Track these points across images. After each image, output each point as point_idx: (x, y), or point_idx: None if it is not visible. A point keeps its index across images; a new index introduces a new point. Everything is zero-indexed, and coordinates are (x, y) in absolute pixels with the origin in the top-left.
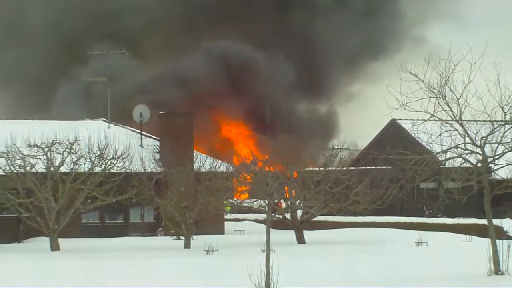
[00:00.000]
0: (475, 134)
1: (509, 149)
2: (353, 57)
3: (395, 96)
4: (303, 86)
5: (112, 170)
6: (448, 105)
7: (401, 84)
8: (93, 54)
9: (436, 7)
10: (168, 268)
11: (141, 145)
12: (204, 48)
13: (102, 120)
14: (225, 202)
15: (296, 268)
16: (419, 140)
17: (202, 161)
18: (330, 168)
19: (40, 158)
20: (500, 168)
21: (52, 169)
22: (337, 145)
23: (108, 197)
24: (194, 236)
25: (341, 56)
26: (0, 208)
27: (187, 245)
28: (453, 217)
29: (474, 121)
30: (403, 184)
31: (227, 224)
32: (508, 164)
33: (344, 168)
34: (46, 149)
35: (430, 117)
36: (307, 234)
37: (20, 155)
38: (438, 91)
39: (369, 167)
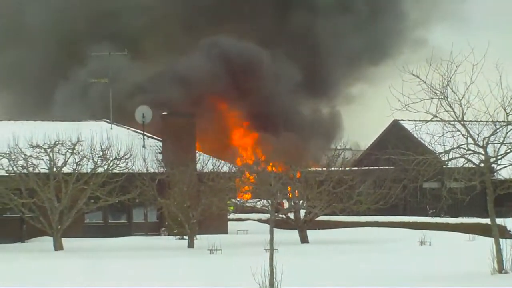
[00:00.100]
0: (478, 135)
1: None
2: (355, 58)
3: (397, 97)
4: (305, 86)
5: (115, 171)
6: (450, 106)
7: (403, 85)
8: (94, 56)
9: (437, 9)
10: (171, 267)
11: (144, 146)
12: (205, 46)
13: (105, 121)
14: (228, 202)
15: (299, 267)
16: (421, 140)
17: (205, 162)
18: (333, 168)
19: (42, 159)
20: (502, 168)
21: (54, 169)
22: (340, 146)
23: (111, 198)
24: (198, 236)
25: (343, 56)
26: (3, 209)
27: (191, 245)
28: (456, 217)
29: (477, 121)
30: (406, 184)
31: (230, 224)
32: (511, 164)
33: (347, 168)
34: (48, 150)
35: (432, 118)
36: (310, 233)
37: (23, 155)
38: (440, 92)
39: (372, 167)
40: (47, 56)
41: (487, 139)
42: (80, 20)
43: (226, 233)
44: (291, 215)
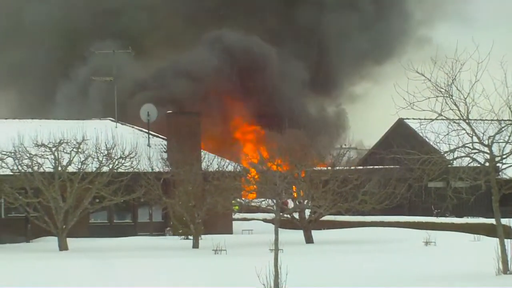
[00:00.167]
0: (483, 133)
1: None
2: (360, 56)
3: (402, 96)
4: (309, 83)
5: (120, 170)
6: (455, 104)
7: (408, 83)
8: (98, 53)
9: (441, 8)
10: (176, 268)
11: (149, 145)
12: (209, 41)
13: (109, 119)
14: (233, 201)
15: (304, 267)
16: (426, 139)
17: (210, 161)
18: (338, 168)
19: (47, 158)
20: (508, 167)
21: (59, 168)
22: (345, 145)
23: (116, 197)
24: (203, 236)
25: (348, 55)
26: (9, 208)
27: (196, 245)
28: (461, 217)
29: (482, 120)
30: (411, 183)
31: (235, 224)
32: None
33: (352, 167)
34: (53, 149)
35: (437, 117)
36: (315, 233)
37: (28, 154)
38: (445, 90)
39: (377, 167)
40: (49, 54)
41: (492, 138)
42: (82, 18)
43: (231, 233)
44: (296, 215)
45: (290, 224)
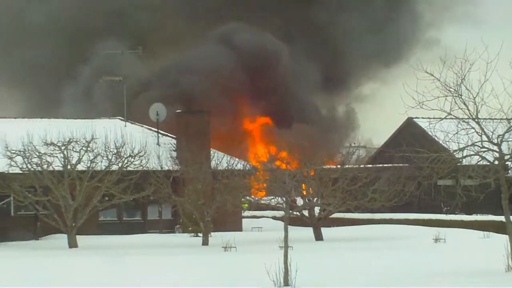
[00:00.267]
0: (492, 132)
1: None
2: (369, 57)
3: (411, 95)
4: (319, 82)
5: (129, 168)
6: (464, 104)
7: (417, 83)
8: (108, 53)
9: (450, 10)
10: (186, 265)
11: (158, 143)
12: (217, 36)
13: (119, 118)
14: (242, 199)
15: (314, 265)
16: (435, 138)
17: (219, 159)
18: (347, 166)
19: (57, 156)
20: None
21: (69, 167)
22: (354, 143)
23: (125, 195)
24: (212, 233)
25: (358, 56)
26: (18, 206)
27: (205, 242)
28: (470, 214)
29: (491, 119)
30: (421, 181)
31: (244, 221)
32: None
33: (361, 165)
34: (63, 147)
35: (446, 116)
36: (325, 231)
37: (37, 153)
38: (455, 89)
39: (387, 165)
40: (54, 54)
41: (501, 136)
42: (86, 18)
43: (241, 230)
44: (306, 213)
45: (300, 222)
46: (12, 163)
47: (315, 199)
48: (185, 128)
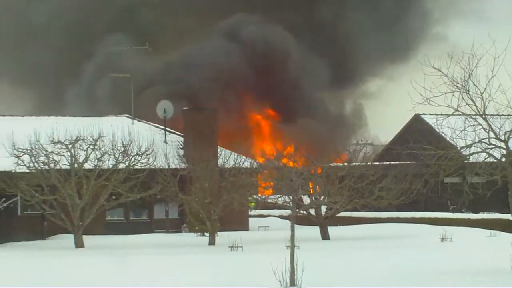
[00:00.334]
0: (499, 129)
1: None
2: (376, 54)
3: (418, 91)
4: (327, 78)
5: (136, 167)
6: (471, 100)
7: (424, 78)
8: (116, 50)
9: (457, 7)
10: (192, 264)
11: (165, 141)
12: (225, 31)
13: (126, 116)
14: (249, 198)
15: (321, 264)
16: (443, 134)
17: (227, 157)
18: (354, 164)
19: (64, 155)
20: None
21: (76, 165)
22: (361, 140)
23: (132, 194)
24: (219, 233)
25: (365, 52)
26: (25, 205)
27: (212, 242)
28: (477, 212)
29: (498, 115)
30: (427, 179)
31: (251, 220)
32: None
33: (368, 163)
34: (70, 146)
35: (454, 112)
36: (331, 230)
37: (44, 152)
38: (462, 85)
39: (393, 162)
40: (60, 52)
41: (508, 133)
42: (91, 16)
43: (247, 229)
44: (312, 211)
45: (306, 221)
46: (19, 162)
47: (322, 197)
48: (192, 125)
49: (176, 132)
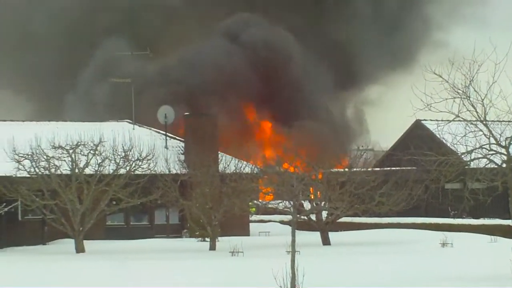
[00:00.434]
0: (500, 135)
1: None
2: (378, 60)
3: (419, 97)
4: (330, 84)
5: (137, 172)
6: (472, 106)
7: (425, 84)
8: (118, 55)
9: (458, 12)
10: (193, 269)
11: (166, 147)
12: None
13: (127, 121)
14: (250, 203)
15: (321, 269)
16: (443, 140)
17: (227, 162)
18: (355, 169)
19: (64, 160)
20: None
21: (76, 170)
22: (362, 146)
23: (133, 199)
24: (219, 238)
25: (368, 58)
26: (25, 210)
27: (212, 247)
28: (478, 218)
29: (499, 121)
30: (428, 185)
31: (252, 226)
32: None
33: (369, 169)
34: (70, 151)
35: (454, 118)
36: (332, 235)
37: (45, 157)
38: (463, 91)
39: (394, 168)
40: (59, 57)
41: (509, 139)
42: (90, 21)
43: (248, 235)
44: (313, 217)
45: (307, 226)
46: (20, 166)
47: (323, 203)
48: (193, 131)
49: (177, 137)
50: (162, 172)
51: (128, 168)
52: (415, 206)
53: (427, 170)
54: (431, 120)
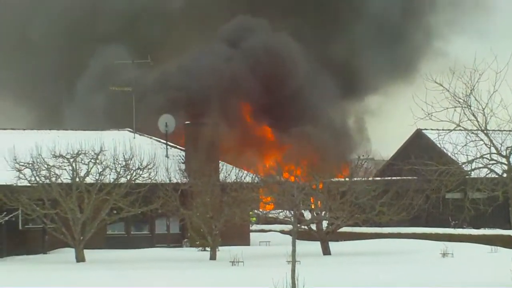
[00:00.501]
0: (501, 144)
1: None
2: (379, 69)
3: (420, 106)
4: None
5: (137, 181)
6: (473, 115)
7: (426, 93)
8: (118, 63)
9: (459, 21)
10: (193, 279)
11: (167, 156)
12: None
13: (128, 130)
14: (250, 213)
15: (321, 279)
16: (444, 150)
17: (228, 172)
18: (355, 179)
19: (65, 169)
20: None
21: (77, 179)
22: (363, 155)
23: (133, 208)
24: (220, 247)
25: (369, 67)
26: (26, 219)
27: (213, 257)
28: (478, 228)
29: (500, 131)
30: (429, 194)
31: (252, 235)
32: None
33: (370, 178)
34: (71, 160)
35: (455, 127)
36: (332, 245)
37: (46, 165)
38: (464, 100)
39: (395, 178)
40: (59, 65)
41: (510, 148)
42: (90, 29)
43: (249, 244)
44: (314, 227)
45: (307, 236)
46: (21, 175)
47: (323, 212)
48: (193, 140)
49: (178, 146)
50: (162, 181)
51: (128, 177)
52: (415, 216)
53: (427, 180)
54: (432, 129)
